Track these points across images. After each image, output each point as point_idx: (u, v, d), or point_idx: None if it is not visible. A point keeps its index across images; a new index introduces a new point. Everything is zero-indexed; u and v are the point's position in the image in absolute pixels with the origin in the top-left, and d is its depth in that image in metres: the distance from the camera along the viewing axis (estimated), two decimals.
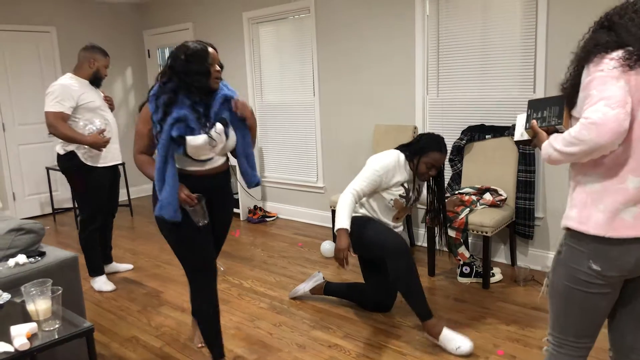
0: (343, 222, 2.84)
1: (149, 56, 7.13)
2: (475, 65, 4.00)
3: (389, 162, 2.99)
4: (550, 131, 1.69)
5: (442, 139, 3.03)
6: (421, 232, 4.47)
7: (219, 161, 2.50)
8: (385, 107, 4.59)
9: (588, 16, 3.39)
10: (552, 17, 3.54)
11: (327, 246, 4.37)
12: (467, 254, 3.63)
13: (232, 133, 2.42)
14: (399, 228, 3.21)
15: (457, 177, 4.05)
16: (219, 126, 2.36)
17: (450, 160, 4.07)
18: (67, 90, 3.59)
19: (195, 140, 2.29)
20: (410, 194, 3.09)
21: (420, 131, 4.36)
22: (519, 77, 3.77)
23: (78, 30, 6.44)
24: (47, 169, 6.08)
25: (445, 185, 3.95)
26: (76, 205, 3.89)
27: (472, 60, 4.01)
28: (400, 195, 3.04)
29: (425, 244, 3.94)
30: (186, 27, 6.37)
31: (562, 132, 1.63)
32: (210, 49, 2.38)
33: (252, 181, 2.57)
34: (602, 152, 1.49)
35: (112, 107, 3.94)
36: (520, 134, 1.83)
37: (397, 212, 3.12)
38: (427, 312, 2.82)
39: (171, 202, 2.30)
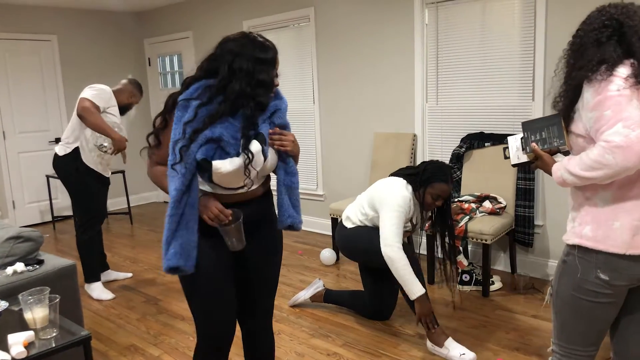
0: (418, 286, 2.76)
1: (149, 64, 7.16)
2: (474, 73, 4.01)
3: (406, 199, 2.86)
4: (552, 152, 1.68)
5: (448, 167, 2.93)
6: (421, 240, 4.46)
7: (257, 184, 1.90)
8: (384, 115, 4.60)
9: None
10: (550, 24, 3.55)
11: (327, 254, 4.36)
12: (465, 262, 3.63)
13: (271, 152, 1.83)
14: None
15: (456, 185, 4.05)
16: (255, 145, 1.75)
17: (450, 167, 4.07)
18: (105, 94, 3.71)
19: (225, 167, 1.71)
20: (416, 225, 3.05)
21: (419, 139, 4.36)
22: (518, 85, 3.78)
23: (79, 39, 6.47)
24: (47, 176, 6.08)
25: None
26: (75, 210, 3.88)
27: (471, 68, 4.02)
28: (406, 231, 2.99)
29: (425, 252, 3.94)
30: (186, 36, 6.40)
31: (564, 152, 1.65)
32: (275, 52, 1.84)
33: (287, 222, 1.92)
34: (627, 174, 1.47)
35: (124, 158, 3.98)
36: (517, 157, 1.80)
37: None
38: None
39: (191, 248, 1.75)
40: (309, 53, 5.14)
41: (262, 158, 1.77)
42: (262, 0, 5.41)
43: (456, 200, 3.72)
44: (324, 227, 5.26)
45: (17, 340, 1.73)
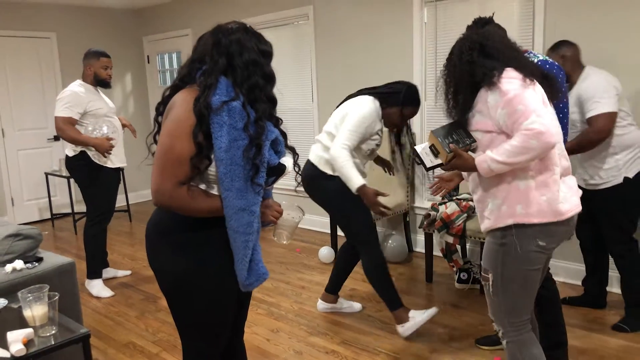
0: (359, 179, 2.81)
1: (148, 62, 7.16)
2: None
3: (371, 112, 2.92)
4: (465, 151, 1.93)
5: (418, 90, 3.06)
6: (419, 238, 4.47)
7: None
8: None
9: (585, 24, 3.42)
10: (549, 24, 3.56)
11: (325, 252, 4.37)
12: (461, 261, 3.64)
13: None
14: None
15: None
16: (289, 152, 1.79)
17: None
18: (77, 97, 3.71)
19: (289, 164, 1.72)
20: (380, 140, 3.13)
21: (418, 137, 4.37)
22: None
23: (78, 36, 6.46)
24: (46, 174, 6.08)
25: None
26: (85, 207, 3.93)
27: None
28: (376, 145, 3.06)
29: (423, 250, 3.95)
30: (185, 34, 6.40)
31: (473, 149, 1.93)
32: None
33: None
34: (546, 153, 1.79)
35: (134, 133, 4.17)
36: (430, 161, 2.01)
37: (369, 156, 3.16)
38: (399, 301, 3.00)
39: (260, 255, 1.68)
40: (307, 51, 5.14)
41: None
42: None
43: (454, 198, 3.73)
44: (323, 225, 5.26)
45: (17, 338, 1.74)
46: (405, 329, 2.96)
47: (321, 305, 3.42)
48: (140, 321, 3.42)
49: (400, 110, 2.98)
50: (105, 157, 3.74)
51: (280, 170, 1.66)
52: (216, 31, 1.62)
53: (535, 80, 1.84)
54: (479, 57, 1.88)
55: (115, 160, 3.88)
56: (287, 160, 1.71)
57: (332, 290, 3.39)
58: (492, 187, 1.91)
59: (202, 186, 1.59)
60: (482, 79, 1.84)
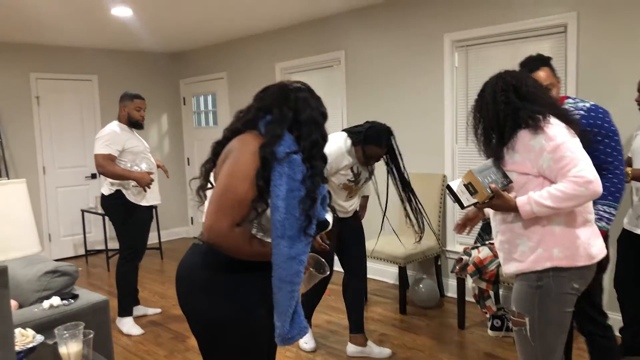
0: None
1: (184, 103, 7.38)
2: None
3: (334, 149, 3.03)
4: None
5: (389, 132, 3.08)
6: (451, 283, 4.39)
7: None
8: (414, 156, 4.61)
9: (617, 70, 3.41)
10: (582, 67, 3.56)
11: None
12: (494, 307, 3.55)
13: None
14: (354, 205, 3.35)
15: (487, 227, 4.00)
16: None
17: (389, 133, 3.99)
18: (115, 135, 3.85)
19: (331, 221, 1.78)
20: (360, 176, 3.18)
21: (449, 180, 4.35)
22: None
23: (118, 78, 6.73)
24: (83, 211, 6.24)
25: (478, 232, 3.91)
26: (118, 245, 4.02)
27: None
28: (348, 180, 3.13)
29: (455, 295, 3.87)
30: (221, 77, 6.59)
31: (508, 190, 1.95)
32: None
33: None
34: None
35: (166, 173, 4.29)
36: (466, 199, 1.99)
37: (349, 193, 3.23)
38: (361, 326, 3.33)
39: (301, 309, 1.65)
40: (339, 95, 5.23)
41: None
42: (295, 43, 5.57)
43: (487, 242, 3.67)
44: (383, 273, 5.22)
45: None
46: None
47: (351, 348, 3.37)
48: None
49: (361, 148, 3.06)
50: (145, 191, 3.84)
51: (324, 225, 1.69)
52: (284, 87, 1.71)
53: (572, 129, 1.91)
54: (516, 99, 1.92)
55: (150, 197, 3.97)
56: (329, 217, 1.75)
57: (356, 329, 3.36)
58: (526, 229, 1.92)
59: (253, 231, 1.63)
60: (526, 121, 1.88)
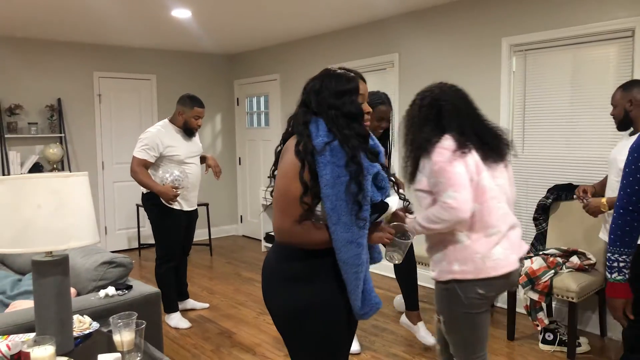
0: None
1: (237, 104, 7.51)
2: (564, 122, 3.88)
3: None
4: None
5: (383, 94, 3.26)
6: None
7: None
8: None
9: None
10: None
11: (400, 300, 4.28)
12: (546, 320, 3.43)
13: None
14: None
15: (541, 237, 3.88)
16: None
17: (535, 219, 3.91)
18: (157, 138, 3.81)
19: (395, 204, 1.80)
20: None
21: None
22: (610, 136, 3.61)
23: (175, 78, 6.93)
24: (137, 205, 6.46)
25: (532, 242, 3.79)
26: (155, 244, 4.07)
27: (560, 117, 3.90)
28: None
29: (505, 306, 3.76)
30: (274, 78, 6.68)
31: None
32: (358, 78, 1.81)
33: (401, 258, 1.95)
34: (461, 225, 1.99)
35: (217, 175, 4.16)
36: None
37: None
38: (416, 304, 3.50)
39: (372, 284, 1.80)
40: (391, 98, 5.17)
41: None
42: (348, 45, 5.57)
43: (541, 253, 3.56)
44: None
45: None
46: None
47: (403, 319, 3.65)
48: (215, 355, 3.48)
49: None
50: (169, 204, 3.82)
51: (382, 208, 1.73)
52: (308, 80, 1.82)
53: (471, 149, 2.02)
54: (433, 118, 2.09)
55: (184, 204, 3.95)
56: (392, 200, 1.79)
57: (411, 306, 3.55)
58: (434, 241, 2.14)
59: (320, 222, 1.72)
60: (420, 145, 2.08)
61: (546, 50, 3.95)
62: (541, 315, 3.42)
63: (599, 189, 3.03)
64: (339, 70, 1.78)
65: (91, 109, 6.36)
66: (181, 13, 4.75)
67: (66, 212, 1.82)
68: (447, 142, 2.01)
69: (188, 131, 3.97)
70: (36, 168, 5.80)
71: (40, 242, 1.78)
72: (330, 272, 1.72)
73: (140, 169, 3.80)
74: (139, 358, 1.92)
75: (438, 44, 4.69)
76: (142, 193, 3.99)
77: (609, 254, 1.94)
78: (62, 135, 6.06)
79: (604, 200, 2.81)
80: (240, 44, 6.59)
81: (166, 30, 5.55)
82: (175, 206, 3.90)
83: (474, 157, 2.03)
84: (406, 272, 3.54)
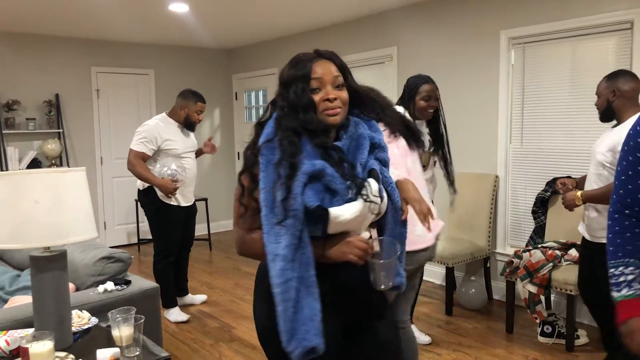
0: None
1: (236, 98, 7.50)
2: (562, 114, 3.87)
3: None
4: None
5: (427, 75, 3.08)
6: (500, 286, 4.28)
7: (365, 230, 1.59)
8: (467, 156, 4.52)
9: None
10: None
11: None
12: (544, 313, 3.44)
13: (384, 194, 1.54)
14: (430, 178, 3.22)
15: (540, 230, 3.88)
16: (373, 184, 1.49)
17: (534, 212, 3.91)
18: (154, 133, 3.80)
19: (348, 212, 1.41)
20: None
21: (502, 180, 4.24)
22: (609, 128, 3.60)
23: (174, 73, 6.91)
24: (136, 200, 6.44)
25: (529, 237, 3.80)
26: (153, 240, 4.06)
27: (559, 109, 3.89)
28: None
29: (504, 299, 3.77)
30: (272, 72, 6.66)
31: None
32: (315, 59, 1.52)
33: (387, 283, 1.51)
34: None
35: (213, 151, 4.21)
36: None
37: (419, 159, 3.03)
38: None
39: (318, 319, 1.39)
40: (390, 91, 5.18)
41: (380, 200, 1.49)
42: (346, 39, 5.55)
43: (540, 246, 3.56)
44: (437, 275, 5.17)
45: (105, 356, 1.83)
46: None
47: None
48: (215, 349, 3.49)
49: (414, 100, 3.03)
50: (168, 197, 3.82)
51: (320, 216, 1.38)
52: None
53: (399, 135, 2.10)
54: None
55: (181, 199, 3.93)
56: (349, 206, 1.43)
57: None
58: None
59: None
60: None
61: (545, 43, 3.94)
62: (540, 308, 3.43)
63: (581, 182, 3.00)
64: (299, 54, 1.56)
65: (89, 104, 6.35)
66: (178, 7, 4.74)
67: (64, 208, 1.82)
68: (382, 126, 2.09)
69: (189, 125, 3.97)
70: (34, 164, 5.79)
71: (38, 237, 1.78)
72: None
73: (138, 161, 3.78)
74: (137, 353, 1.93)
75: (437, 37, 4.68)
76: (139, 189, 3.98)
77: (611, 269, 1.57)
78: (61, 130, 6.05)
79: (579, 193, 2.78)
80: (238, 38, 6.57)
81: (164, 25, 5.53)
82: (173, 202, 3.89)
83: (402, 142, 2.21)
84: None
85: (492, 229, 4.27)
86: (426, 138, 3.10)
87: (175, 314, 4.00)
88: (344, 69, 1.58)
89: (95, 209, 6.26)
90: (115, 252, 2.76)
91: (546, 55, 3.94)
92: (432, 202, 3.18)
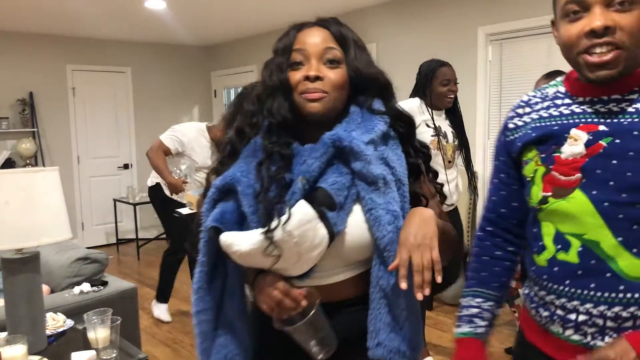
0: None
1: (215, 96, 7.44)
2: None
3: (409, 105, 2.78)
4: None
5: (441, 60, 2.90)
6: None
7: (339, 274, 1.13)
8: None
9: None
10: None
11: None
12: None
13: (355, 222, 1.08)
14: (455, 181, 2.90)
15: None
16: (299, 213, 1.01)
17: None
18: (187, 136, 3.78)
19: (244, 242, 1.01)
20: (442, 129, 2.85)
21: (480, 175, 4.28)
22: None
23: (151, 70, 6.83)
24: (115, 200, 6.37)
25: None
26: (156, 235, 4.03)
27: None
28: (432, 136, 2.77)
29: None
30: (251, 70, 6.62)
31: None
32: (306, 26, 1.18)
33: (376, 353, 1.08)
34: None
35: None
36: None
37: (443, 154, 2.81)
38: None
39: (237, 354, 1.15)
40: None
41: (319, 232, 1.03)
42: None
43: None
44: None
45: (81, 359, 1.79)
46: None
47: None
48: (195, 349, 3.45)
49: (431, 85, 2.89)
50: (172, 196, 3.83)
51: (214, 238, 1.06)
52: None
53: None
54: None
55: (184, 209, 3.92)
56: (247, 236, 1.02)
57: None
58: None
59: None
60: None
61: (522, 39, 3.98)
62: (518, 302, 3.46)
63: None
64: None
65: (65, 102, 6.24)
66: (155, 4, 4.67)
67: (36, 208, 1.78)
68: None
69: (217, 143, 3.98)
70: (8, 164, 5.67)
71: (9, 239, 1.74)
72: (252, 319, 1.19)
73: (159, 152, 3.75)
74: (114, 355, 1.90)
75: (415, 34, 4.70)
76: (148, 186, 4.00)
77: (461, 298, 1.32)
78: (35, 129, 5.93)
79: None
80: (217, 35, 6.51)
81: (140, 22, 5.45)
82: (178, 199, 3.90)
83: None
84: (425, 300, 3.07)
85: (471, 225, 4.31)
86: (449, 130, 2.88)
87: (161, 310, 3.97)
88: (344, 41, 1.15)
89: (72, 209, 6.20)
90: (92, 252, 2.72)
91: (523, 51, 3.98)
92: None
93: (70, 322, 2.15)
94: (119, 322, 1.92)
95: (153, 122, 6.60)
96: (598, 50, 1.02)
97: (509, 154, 1.20)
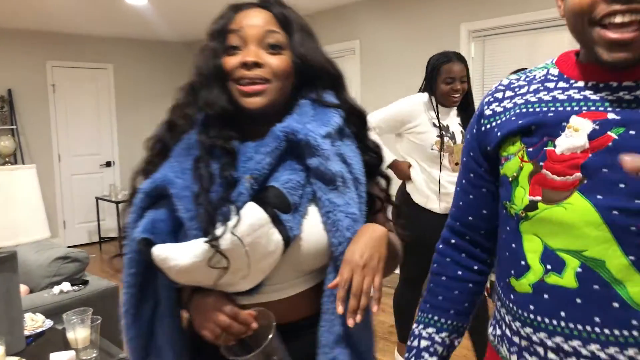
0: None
1: None
2: None
3: (412, 101, 2.73)
4: None
5: (452, 52, 2.70)
6: None
7: (293, 287, 1.00)
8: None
9: None
10: None
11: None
12: None
13: (311, 225, 0.95)
14: None
15: None
16: (249, 217, 0.88)
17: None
18: None
19: (183, 255, 0.87)
20: (450, 129, 2.67)
21: None
22: None
23: (133, 67, 6.75)
24: (97, 198, 6.29)
25: None
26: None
27: None
28: (437, 136, 2.62)
29: None
30: None
31: None
32: (245, 7, 1.07)
33: None
34: None
35: None
36: None
37: (450, 156, 2.64)
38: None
39: None
40: (352, 85, 5.18)
41: (272, 238, 0.90)
42: None
43: None
44: None
45: (59, 359, 1.77)
46: None
47: (399, 358, 3.06)
48: None
49: (437, 82, 2.71)
50: None
51: (144, 252, 0.93)
52: None
53: None
54: None
55: None
56: (186, 248, 0.87)
57: (403, 338, 2.99)
58: None
59: None
60: None
61: (504, 35, 4.00)
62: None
63: None
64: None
65: (45, 99, 6.14)
66: (137, 0, 4.61)
67: (13, 207, 1.74)
68: None
69: None
70: None
71: None
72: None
73: None
74: (94, 355, 1.88)
75: (398, 31, 4.70)
76: None
77: (413, 325, 1.08)
78: (14, 127, 5.83)
79: None
80: (199, 31, 6.39)
81: (121, 17, 5.38)
82: None
83: None
84: (414, 300, 2.86)
85: None
86: (458, 129, 2.71)
87: None
88: (288, 24, 1.03)
89: (53, 208, 6.13)
90: (72, 251, 2.68)
91: (505, 47, 4.01)
92: None
93: (49, 323, 2.12)
94: (99, 321, 1.90)
95: (135, 119, 6.53)
96: (619, 19, 0.75)
97: (483, 147, 0.95)
